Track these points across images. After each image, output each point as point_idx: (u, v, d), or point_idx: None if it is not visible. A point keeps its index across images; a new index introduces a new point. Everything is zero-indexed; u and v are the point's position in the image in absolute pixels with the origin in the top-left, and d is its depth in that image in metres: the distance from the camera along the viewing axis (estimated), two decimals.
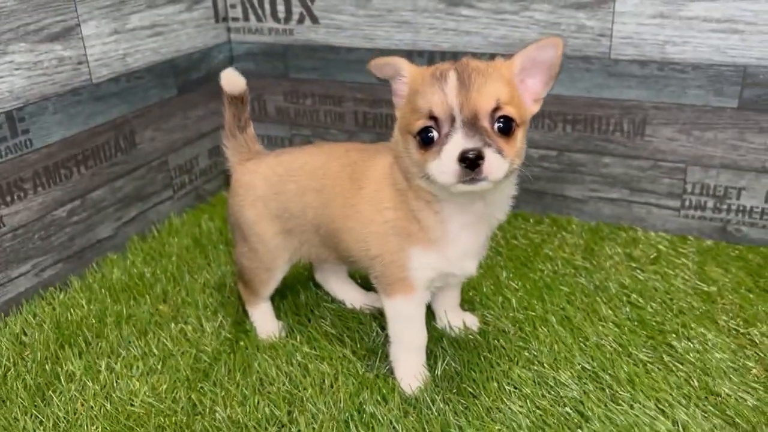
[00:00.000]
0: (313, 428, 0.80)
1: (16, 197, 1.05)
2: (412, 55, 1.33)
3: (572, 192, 1.32)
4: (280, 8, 1.43)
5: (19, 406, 0.85)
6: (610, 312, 1.00)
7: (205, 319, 1.02)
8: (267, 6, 1.44)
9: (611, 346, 0.92)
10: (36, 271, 1.11)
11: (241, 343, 0.96)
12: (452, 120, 0.70)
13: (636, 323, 0.97)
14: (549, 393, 0.84)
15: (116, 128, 1.23)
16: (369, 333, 0.96)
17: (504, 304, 1.03)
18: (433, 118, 0.71)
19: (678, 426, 0.78)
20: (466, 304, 1.03)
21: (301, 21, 1.42)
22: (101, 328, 1.01)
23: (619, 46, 1.18)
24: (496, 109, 0.71)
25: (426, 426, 0.80)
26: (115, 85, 1.21)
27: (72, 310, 1.04)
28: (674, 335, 0.94)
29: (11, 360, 0.94)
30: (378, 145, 0.91)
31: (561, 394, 0.84)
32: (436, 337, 0.94)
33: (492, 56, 0.78)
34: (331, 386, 0.86)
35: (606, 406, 0.81)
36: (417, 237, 0.80)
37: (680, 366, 0.88)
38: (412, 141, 0.74)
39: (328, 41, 1.41)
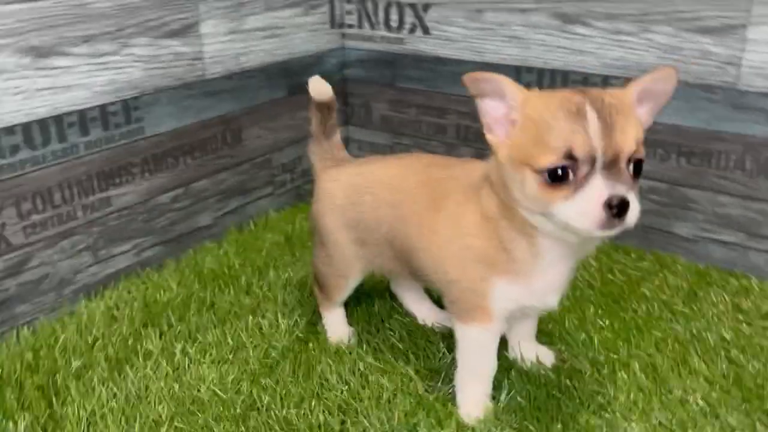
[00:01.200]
0: None
1: (124, 180, 1.13)
2: (520, 72, 1.29)
3: (681, 230, 1.22)
4: (393, 17, 1.43)
5: (98, 376, 0.90)
6: (703, 365, 0.91)
7: (282, 315, 1.04)
8: (381, 14, 1.45)
9: (697, 404, 0.84)
10: (136, 250, 1.18)
11: (311, 344, 0.97)
12: (592, 161, 0.65)
13: (731, 382, 0.88)
14: None
15: (225, 123, 1.29)
16: (436, 353, 0.94)
17: (585, 342, 0.97)
18: (571, 158, 0.65)
19: None
20: (545, 337, 0.98)
21: (412, 31, 1.42)
22: (184, 311, 1.05)
23: (748, 76, 1.07)
24: (635, 151, 0.66)
25: None
26: (227, 83, 1.27)
27: (162, 292, 1.10)
28: None
29: (100, 331, 1.00)
30: (465, 161, 0.88)
31: None
32: (505, 367, 0.90)
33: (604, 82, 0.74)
34: (389, 401, 0.85)
35: None
36: (503, 268, 0.76)
37: None
38: (533, 175, 0.67)
39: (436, 52, 1.40)
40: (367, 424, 0.81)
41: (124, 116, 1.10)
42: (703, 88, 1.12)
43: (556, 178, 0.66)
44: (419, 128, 1.49)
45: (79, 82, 1.02)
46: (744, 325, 1.01)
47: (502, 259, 0.75)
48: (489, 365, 0.83)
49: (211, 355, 0.96)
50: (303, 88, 1.45)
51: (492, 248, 0.76)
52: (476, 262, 0.77)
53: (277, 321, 1.03)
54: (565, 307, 1.06)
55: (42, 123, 0.99)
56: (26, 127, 0.97)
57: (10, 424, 0.81)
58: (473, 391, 0.83)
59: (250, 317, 1.04)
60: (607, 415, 0.82)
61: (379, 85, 1.50)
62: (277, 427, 0.81)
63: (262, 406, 0.85)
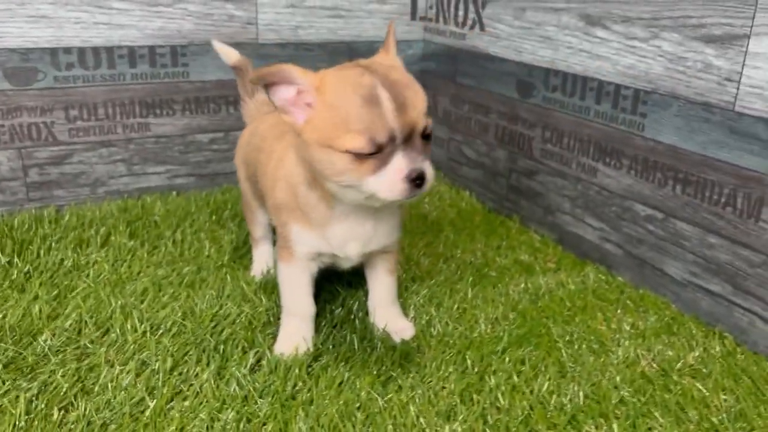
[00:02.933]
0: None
1: (165, 113, 1.35)
2: (549, 74, 1.24)
3: (672, 269, 1.06)
4: (461, 12, 1.46)
5: (62, 248, 1.12)
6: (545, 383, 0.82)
7: (235, 247, 1.17)
8: (452, 9, 1.49)
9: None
10: (169, 175, 1.40)
11: (224, 270, 1.08)
12: (393, 140, 0.70)
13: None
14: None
15: None
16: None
17: (451, 332, 0.93)
18: (373, 143, 0.69)
19: None
20: (423, 316, 0.96)
21: (472, 27, 1.43)
22: (167, 221, 1.23)
23: (746, 96, 0.91)
24: (425, 125, 0.72)
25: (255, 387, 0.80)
26: (281, 50, 1.43)
27: (162, 206, 1.30)
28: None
29: (97, 222, 1.22)
30: None
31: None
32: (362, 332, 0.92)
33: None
34: (231, 323, 0.92)
35: None
36: (299, 217, 0.82)
37: None
38: (339, 154, 0.70)
39: (487, 49, 1.40)
40: (190, 329, 0.90)
41: (171, 59, 1.32)
42: (702, 106, 0.97)
43: (361, 155, 0.70)
44: (469, 125, 1.49)
45: (132, 24, 1.27)
46: (637, 356, 0.87)
47: (299, 213, 0.81)
48: (301, 303, 0.87)
49: (156, 257, 1.12)
50: None
51: (292, 203, 0.82)
52: (281, 210, 0.83)
53: (227, 249, 1.16)
54: (465, 304, 1.01)
55: (95, 50, 1.25)
56: (81, 51, 1.24)
57: None
58: (288, 327, 0.88)
59: (208, 242, 1.19)
60: (390, 385, 0.80)
61: (445, 80, 1.54)
62: (139, 306, 0.94)
63: (146, 294, 0.99)
